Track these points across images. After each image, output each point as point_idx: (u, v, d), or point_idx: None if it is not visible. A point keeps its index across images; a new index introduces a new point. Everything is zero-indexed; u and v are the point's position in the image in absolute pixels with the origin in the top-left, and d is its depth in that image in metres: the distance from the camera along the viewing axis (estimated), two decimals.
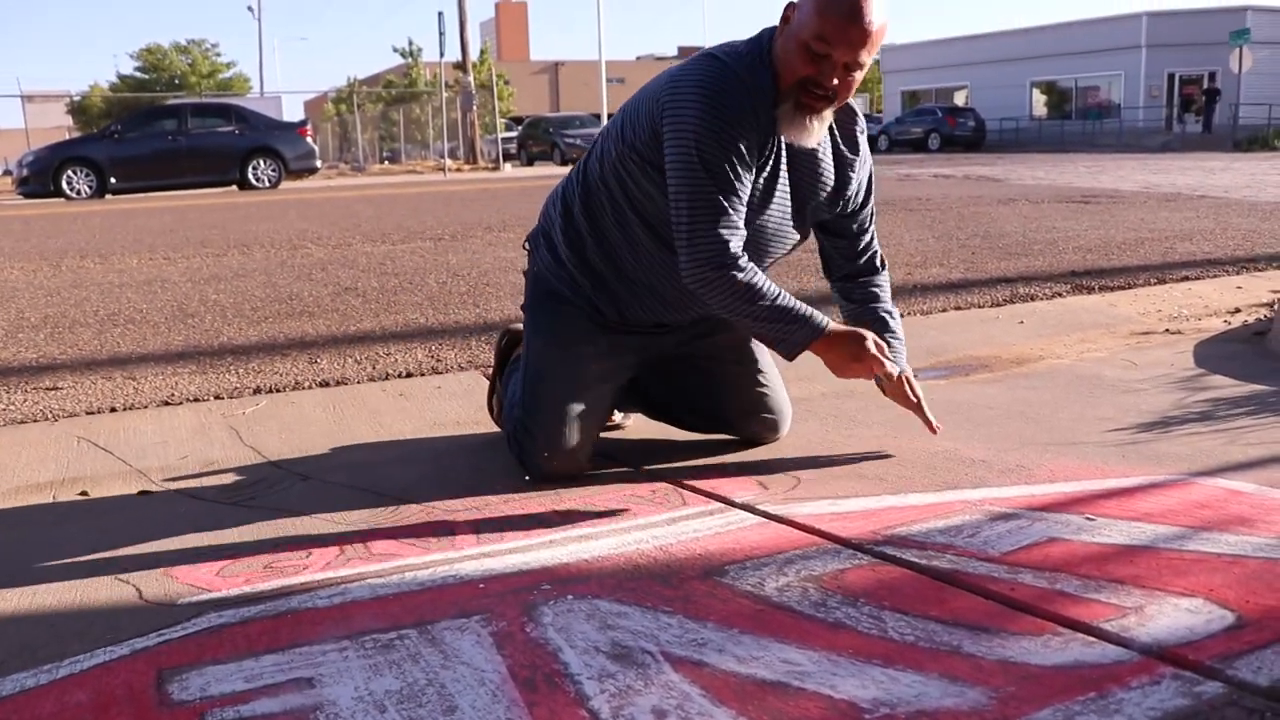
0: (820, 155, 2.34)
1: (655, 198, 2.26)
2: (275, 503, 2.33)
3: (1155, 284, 4.82)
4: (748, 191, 2.21)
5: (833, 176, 2.38)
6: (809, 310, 2.22)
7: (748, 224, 2.26)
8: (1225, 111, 31.81)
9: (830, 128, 2.31)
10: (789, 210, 2.35)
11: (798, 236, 2.44)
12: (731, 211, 2.18)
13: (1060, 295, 4.56)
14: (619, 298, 2.41)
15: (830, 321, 2.22)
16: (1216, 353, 3.50)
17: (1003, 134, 37.15)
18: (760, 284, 2.19)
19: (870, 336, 2.23)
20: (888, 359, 2.24)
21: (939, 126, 34.92)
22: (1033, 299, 4.48)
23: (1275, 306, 4.15)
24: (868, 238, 2.58)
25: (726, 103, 2.15)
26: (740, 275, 2.17)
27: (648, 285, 2.38)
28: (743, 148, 2.17)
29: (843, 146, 2.38)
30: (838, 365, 2.24)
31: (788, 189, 2.33)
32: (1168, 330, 3.94)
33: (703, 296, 2.22)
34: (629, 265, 2.37)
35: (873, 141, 36.64)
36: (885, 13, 2.10)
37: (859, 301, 2.57)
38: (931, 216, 8.63)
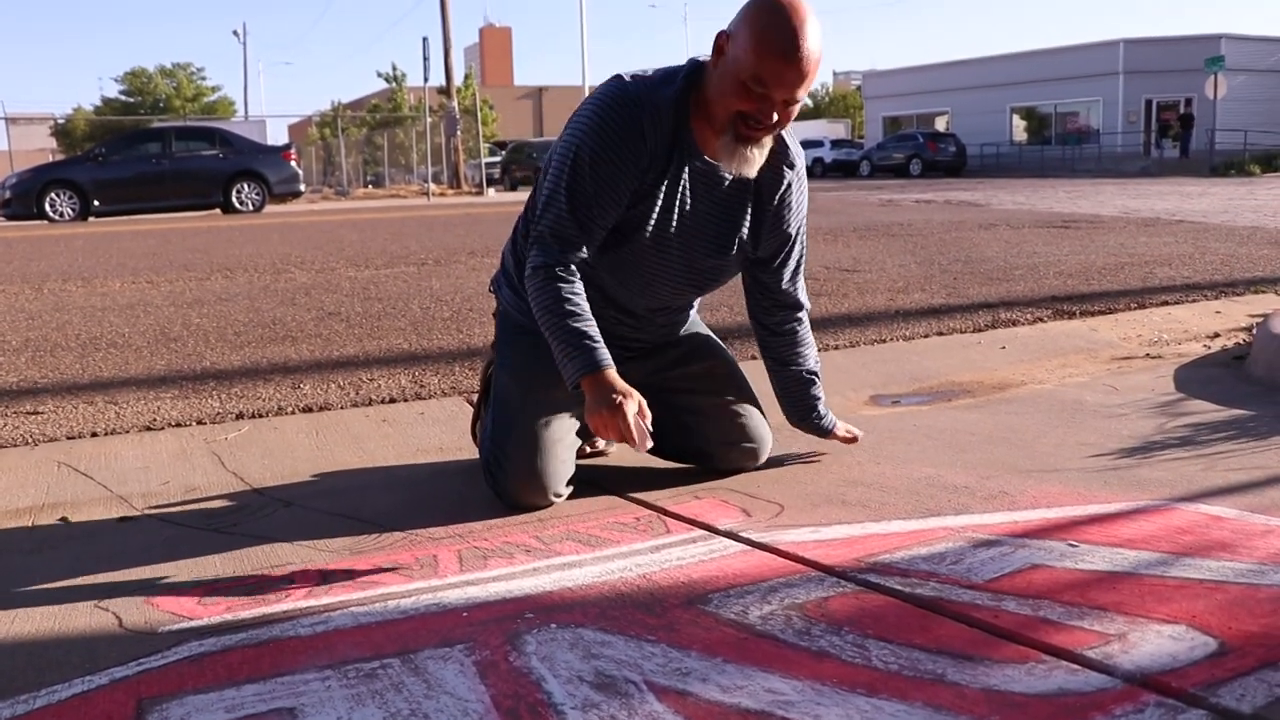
0: (730, 189, 2.35)
1: None
2: (257, 529, 2.32)
3: (1135, 309, 4.85)
4: (614, 209, 2.26)
5: (747, 212, 2.39)
6: (594, 348, 2.18)
7: (640, 245, 2.31)
8: (1202, 137, 32.16)
9: None
10: (693, 237, 2.36)
11: (712, 268, 2.43)
12: (577, 220, 2.23)
13: (1041, 320, 4.59)
14: None
15: (606, 367, 2.16)
16: (1196, 377, 3.53)
17: (983, 159, 37.47)
18: (567, 303, 2.20)
19: (633, 405, 2.12)
20: (635, 437, 2.10)
21: (920, 152, 35.17)
22: (1014, 324, 4.51)
23: (1254, 331, 4.18)
24: (786, 282, 2.53)
25: (612, 121, 2.21)
26: (553, 282, 2.22)
27: (601, 302, 2.40)
28: (616, 165, 2.22)
29: (766, 184, 2.38)
30: (590, 411, 2.17)
31: (693, 216, 2.34)
32: (1148, 355, 3.96)
33: (525, 287, 2.27)
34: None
35: (855, 167, 36.99)
36: (820, 45, 2.12)
37: (780, 361, 2.60)
38: (914, 242, 8.68)
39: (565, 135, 2.27)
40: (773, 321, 2.58)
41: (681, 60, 2.32)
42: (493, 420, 2.44)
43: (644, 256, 2.36)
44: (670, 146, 2.25)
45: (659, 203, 2.30)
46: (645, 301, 2.46)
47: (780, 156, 2.36)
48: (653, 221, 2.31)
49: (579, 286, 2.25)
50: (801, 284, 2.58)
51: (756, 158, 2.25)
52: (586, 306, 2.24)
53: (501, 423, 2.41)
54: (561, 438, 2.39)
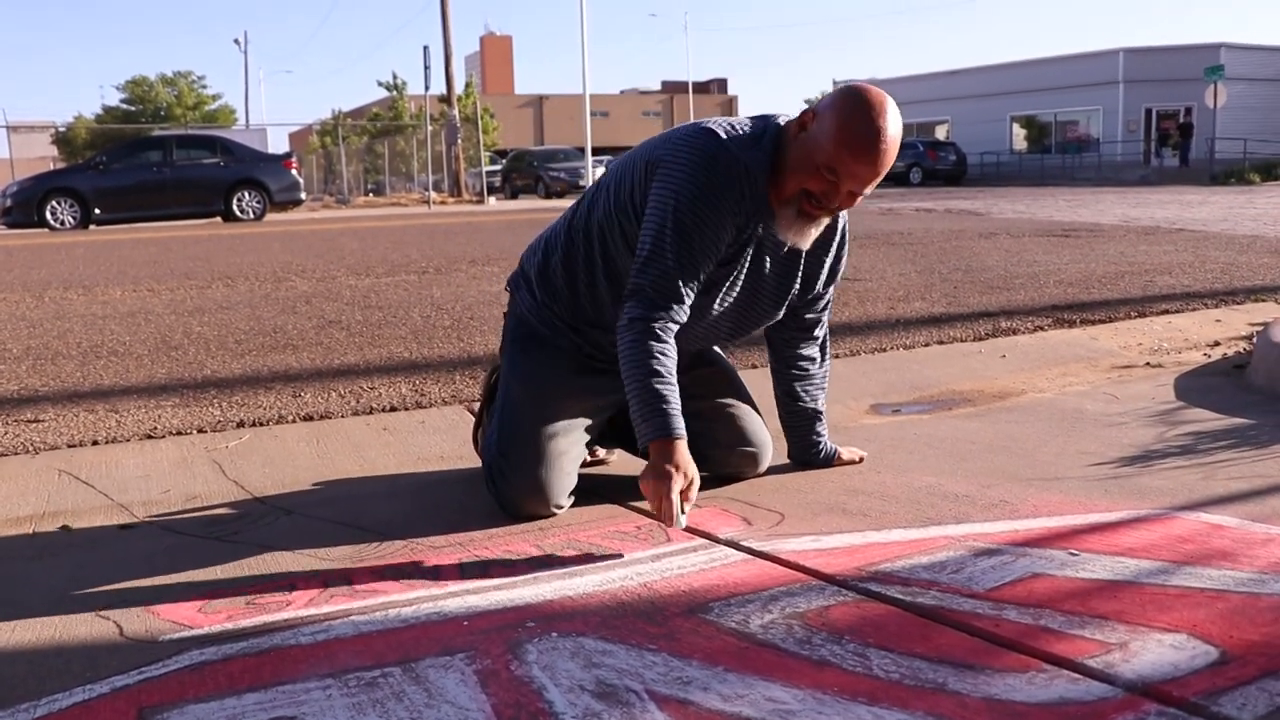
0: (789, 250, 2.39)
1: (627, 256, 2.32)
2: (258, 538, 2.32)
3: (1136, 317, 4.86)
4: (708, 269, 2.27)
5: (799, 272, 2.45)
6: (672, 416, 2.17)
7: (709, 302, 2.33)
8: (1202, 146, 32.20)
9: None
10: (754, 295, 2.41)
11: (758, 320, 2.49)
12: (681, 283, 2.23)
13: (1042, 329, 4.59)
14: (591, 337, 2.45)
15: (676, 437, 2.15)
16: (1197, 386, 3.53)
17: (984, 168, 37.50)
18: (659, 362, 2.19)
19: (679, 483, 2.11)
20: (668, 515, 2.10)
21: (921, 160, 35.19)
22: (1014, 333, 4.51)
23: (1254, 339, 4.18)
24: (819, 328, 2.63)
25: (716, 179, 2.21)
26: (649, 340, 2.20)
27: (606, 328, 2.41)
28: (721, 231, 2.24)
29: (816, 245, 2.42)
30: (646, 472, 2.16)
31: (757, 275, 2.38)
32: (1148, 364, 3.97)
33: (617, 336, 2.24)
34: (588, 313, 2.44)
35: None
36: (897, 142, 2.14)
37: (791, 397, 2.65)
38: (914, 250, 8.69)
39: (664, 187, 2.22)
40: (790, 354, 2.63)
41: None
42: (498, 428, 2.44)
43: (707, 311, 2.38)
44: (757, 210, 2.27)
45: (738, 263, 2.33)
46: (694, 345, 2.49)
47: (834, 217, 2.40)
48: (728, 280, 2.35)
49: (672, 349, 2.24)
50: (826, 321, 2.64)
51: (812, 233, 2.30)
52: (674, 368, 2.23)
53: (507, 431, 2.41)
54: (567, 449, 2.40)
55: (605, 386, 2.44)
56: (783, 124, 2.28)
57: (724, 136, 2.25)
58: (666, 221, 2.20)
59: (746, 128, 2.29)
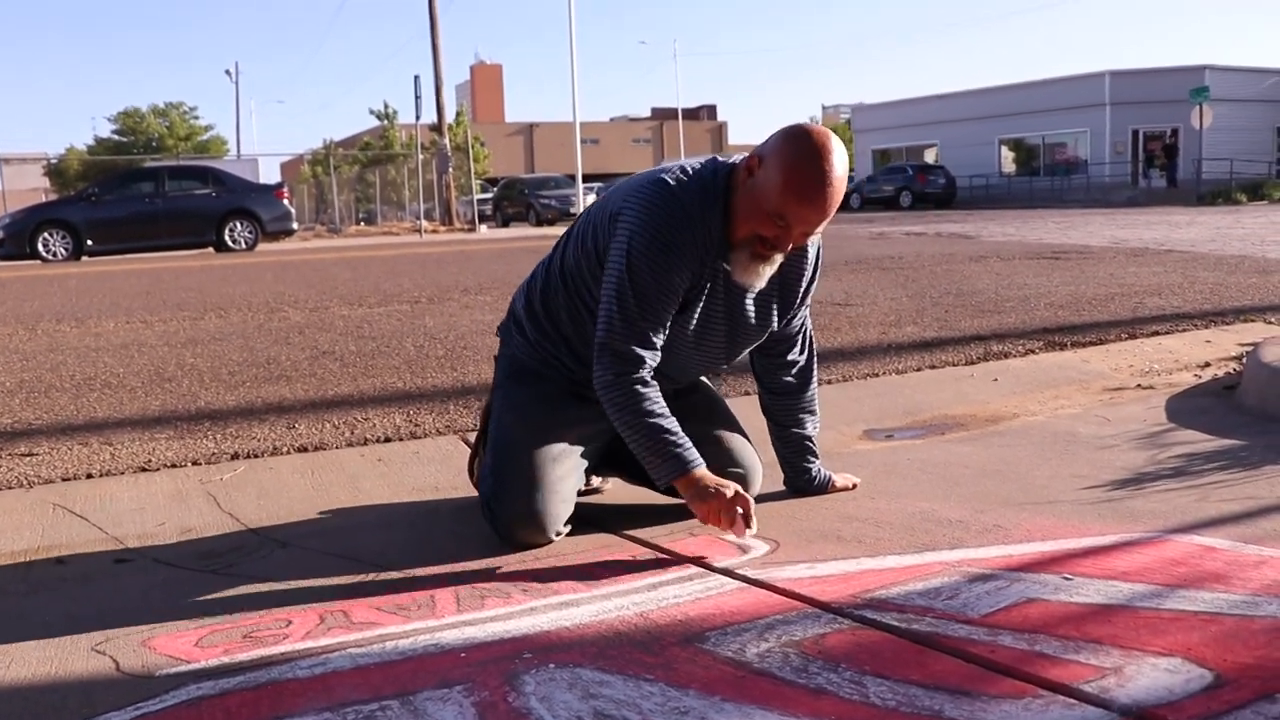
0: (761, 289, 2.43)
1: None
2: (254, 571, 2.31)
3: (1126, 339, 4.88)
4: (670, 315, 2.32)
5: (777, 303, 2.49)
6: (684, 450, 2.28)
7: (677, 343, 2.39)
8: (1189, 166, 32.41)
9: None
10: (723, 332, 2.45)
11: (728, 356, 2.54)
12: (647, 331, 2.29)
13: (1033, 352, 4.61)
14: (581, 373, 2.48)
15: (698, 466, 2.27)
16: (1188, 407, 3.55)
17: (973, 191, 37.70)
18: (648, 402, 2.28)
19: (730, 494, 2.24)
20: (731, 526, 2.23)
21: (910, 184, 35.41)
22: (1006, 356, 4.53)
23: (1244, 360, 4.20)
24: (797, 351, 2.65)
25: (670, 228, 2.26)
26: (634, 392, 2.28)
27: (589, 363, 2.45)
28: (675, 277, 2.29)
29: (790, 274, 2.46)
30: (692, 504, 2.28)
31: (723, 314, 2.43)
32: (1139, 385, 3.98)
33: (600, 397, 2.32)
34: (576, 346, 2.48)
35: (845, 200, 36.90)
36: (843, 182, 2.19)
37: (780, 423, 2.69)
38: (905, 275, 8.72)
39: (620, 240, 2.28)
40: (774, 382, 2.67)
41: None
42: (494, 457, 2.45)
43: (685, 346, 2.43)
44: (714, 257, 2.32)
45: (703, 304, 2.38)
46: (681, 376, 2.54)
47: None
48: (696, 320, 2.40)
49: (654, 389, 2.32)
50: (802, 344, 2.66)
51: (767, 273, 2.33)
52: (664, 403, 2.31)
53: (504, 460, 2.42)
54: (563, 477, 2.41)
55: (598, 414, 2.45)
56: (733, 167, 2.32)
57: (674, 185, 2.29)
58: (624, 274, 2.26)
59: (697, 173, 2.33)
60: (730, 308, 2.42)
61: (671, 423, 2.30)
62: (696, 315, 2.39)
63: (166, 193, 19.10)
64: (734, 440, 2.61)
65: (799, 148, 2.17)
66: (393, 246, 19.81)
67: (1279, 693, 1.49)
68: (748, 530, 2.23)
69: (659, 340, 2.32)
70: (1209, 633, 1.72)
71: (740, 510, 2.22)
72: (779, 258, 2.31)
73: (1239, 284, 7.04)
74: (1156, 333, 5.04)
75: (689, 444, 2.29)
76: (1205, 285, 6.99)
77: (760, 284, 2.36)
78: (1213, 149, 31.94)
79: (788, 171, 2.16)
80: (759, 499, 2.63)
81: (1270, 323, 5.26)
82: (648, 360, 2.31)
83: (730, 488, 2.25)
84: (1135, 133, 37.78)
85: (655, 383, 2.33)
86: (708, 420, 2.61)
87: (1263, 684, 1.52)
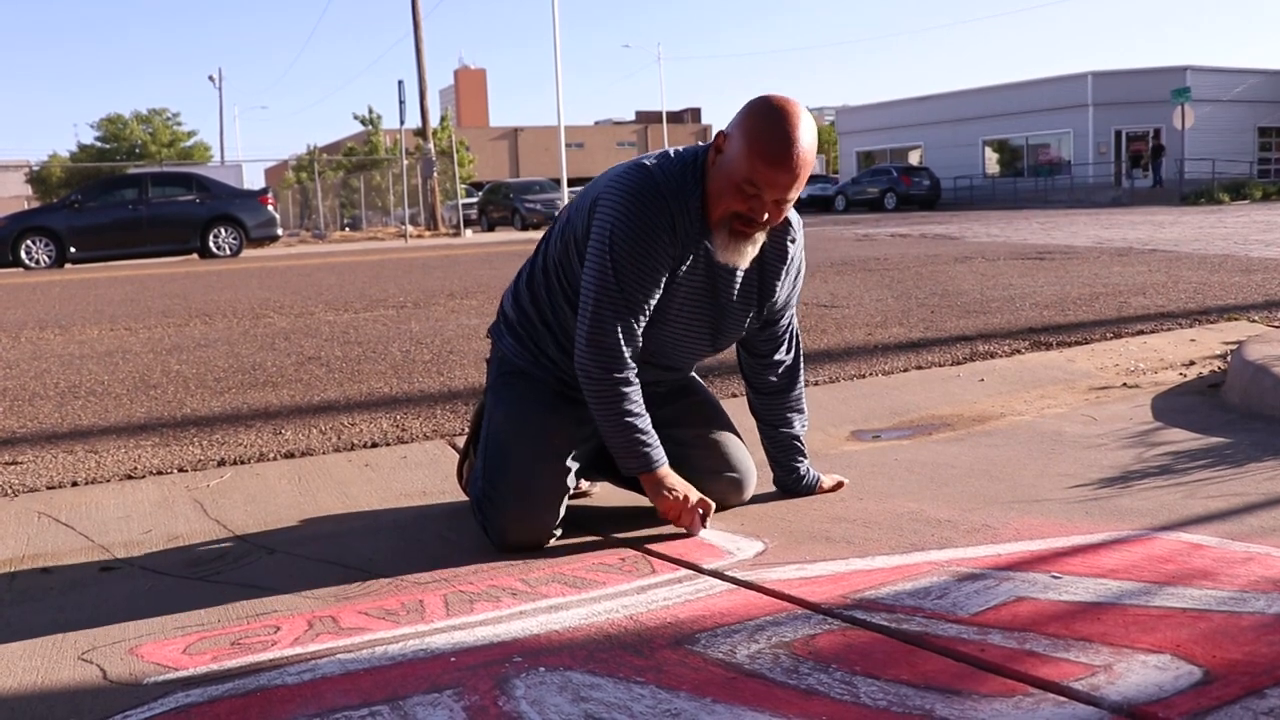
0: (745, 270, 2.43)
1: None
2: (241, 577, 2.30)
3: (1111, 338, 4.90)
4: (652, 299, 2.34)
5: (756, 288, 2.49)
6: (652, 448, 2.37)
7: (662, 326, 2.40)
8: (1172, 166, 32.60)
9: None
10: (707, 316, 2.46)
11: (712, 344, 2.55)
12: (629, 317, 2.31)
13: (1019, 352, 4.62)
14: (568, 368, 2.48)
15: (661, 465, 2.38)
16: (1173, 406, 3.56)
17: (957, 192, 37.83)
18: (627, 401, 2.35)
19: (694, 496, 2.40)
20: (690, 524, 2.40)
21: (895, 186, 35.48)
22: (992, 356, 4.54)
23: (1228, 358, 4.23)
24: (783, 351, 2.66)
25: (647, 214, 2.28)
26: (616, 384, 2.32)
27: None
28: (656, 260, 2.30)
29: (771, 258, 2.47)
30: (653, 499, 2.41)
31: (707, 295, 2.43)
32: (1125, 384, 4.00)
33: (580, 385, 2.36)
34: (562, 341, 2.48)
35: (830, 202, 37.23)
36: (813, 146, 2.21)
37: (768, 423, 2.71)
38: (890, 276, 8.74)
39: (600, 226, 2.30)
40: (761, 382, 2.67)
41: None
42: (484, 460, 2.45)
43: (672, 331, 2.44)
44: (696, 236, 2.33)
45: (686, 287, 2.39)
46: (669, 362, 2.55)
47: (784, 232, 2.47)
48: (681, 304, 2.41)
49: (633, 381, 2.35)
50: (788, 344, 2.66)
51: (749, 251, 2.34)
52: (640, 398, 2.37)
53: (494, 463, 2.42)
54: (554, 480, 2.41)
55: (587, 415, 2.45)
56: (710, 148, 2.33)
57: (653, 169, 2.32)
58: (606, 258, 2.28)
59: (679, 156, 2.36)
60: (714, 288, 2.42)
61: (645, 422, 2.36)
62: (679, 296, 2.39)
63: (150, 199, 19.02)
64: (730, 445, 2.62)
65: (762, 114, 2.20)
66: (378, 252, 19.77)
67: (1268, 688, 1.50)
68: (702, 529, 2.41)
69: (640, 326, 2.34)
70: (1197, 629, 1.73)
71: (701, 511, 2.39)
72: (760, 236, 2.32)
73: (1222, 283, 7.07)
74: (1141, 332, 5.06)
75: (658, 444, 2.37)
76: (1189, 284, 7.02)
77: (743, 262, 2.36)
78: (1195, 149, 32.13)
79: (751, 137, 2.18)
80: (750, 501, 2.63)
81: (1254, 321, 5.29)
82: (628, 352, 2.32)
83: (694, 494, 2.39)
84: (1118, 133, 37.97)
85: (637, 381, 2.35)
86: (706, 424, 2.62)
87: (1251, 679, 1.53)
